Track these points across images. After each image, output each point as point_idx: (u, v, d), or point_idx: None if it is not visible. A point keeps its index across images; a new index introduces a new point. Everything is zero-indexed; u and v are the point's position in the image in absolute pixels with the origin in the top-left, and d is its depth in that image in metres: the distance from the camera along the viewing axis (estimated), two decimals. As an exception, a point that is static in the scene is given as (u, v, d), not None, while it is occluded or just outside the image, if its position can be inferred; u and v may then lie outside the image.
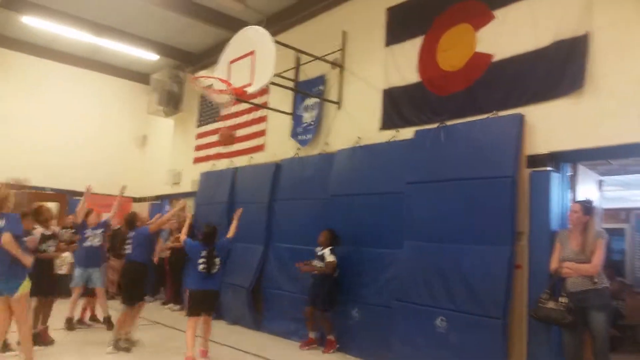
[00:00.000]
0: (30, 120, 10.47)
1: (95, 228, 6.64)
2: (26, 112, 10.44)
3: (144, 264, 5.73)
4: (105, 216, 9.99)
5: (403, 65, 6.12)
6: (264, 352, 5.76)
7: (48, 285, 5.55)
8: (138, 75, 11.77)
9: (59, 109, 10.87)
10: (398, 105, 6.13)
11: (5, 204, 4.30)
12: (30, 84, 10.53)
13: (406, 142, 5.78)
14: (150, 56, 10.34)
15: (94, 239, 6.57)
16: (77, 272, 6.54)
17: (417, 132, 5.67)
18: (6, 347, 4.99)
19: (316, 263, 5.89)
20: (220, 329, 6.62)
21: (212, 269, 5.17)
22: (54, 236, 5.55)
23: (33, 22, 9.08)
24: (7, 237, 4.15)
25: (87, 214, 6.82)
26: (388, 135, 6.12)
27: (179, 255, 8.55)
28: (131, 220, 5.85)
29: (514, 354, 4.49)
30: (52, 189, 10.72)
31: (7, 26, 9.70)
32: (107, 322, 6.50)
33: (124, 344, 5.49)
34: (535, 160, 4.74)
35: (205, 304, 5.31)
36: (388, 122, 6.22)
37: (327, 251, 5.82)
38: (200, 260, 5.16)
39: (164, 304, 8.96)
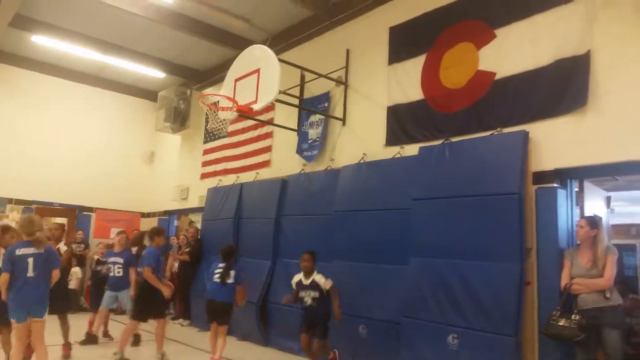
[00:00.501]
0: (39, 136, 10.62)
1: (117, 255, 6.73)
2: (35, 129, 10.60)
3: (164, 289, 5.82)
4: (113, 232, 10.14)
5: (406, 83, 6.18)
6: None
7: (63, 302, 5.81)
8: (145, 93, 11.92)
9: (68, 126, 11.02)
10: (402, 122, 6.18)
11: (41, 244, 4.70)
12: (40, 102, 10.69)
13: (411, 159, 5.81)
14: (157, 74, 10.48)
15: (115, 269, 6.67)
16: (107, 294, 6.70)
17: (421, 148, 5.70)
18: None
19: (307, 295, 5.35)
20: (231, 345, 6.61)
21: (227, 280, 5.62)
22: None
23: (42, 41, 9.24)
24: (57, 272, 4.71)
25: (120, 233, 7.04)
26: (393, 151, 6.17)
27: (188, 271, 8.67)
28: (152, 236, 6.04)
29: (525, 371, 4.48)
30: (60, 204, 10.85)
31: (17, 45, 9.88)
32: (135, 339, 6.68)
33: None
34: (541, 177, 4.76)
35: (217, 314, 5.64)
36: (393, 139, 6.27)
37: (319, 277, 5.36)
38: (217, 271, 5.71)
39: (174, 319, 8.99)
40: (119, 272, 6.63)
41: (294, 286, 5.49)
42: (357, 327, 5.77)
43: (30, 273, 4.44)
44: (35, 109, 10.64)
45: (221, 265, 5.75)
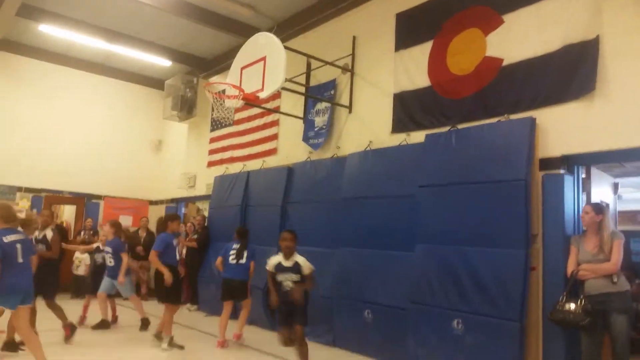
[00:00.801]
0: (48, 125, 10.69)
1: (108, 244, 6.89)
2: (43, 118, 10.65)
3: (170, 265, 5.89)
4: (121, 219, 10.25)
5: (413, 69, 6.16)
6: (281, 352, 5.85)
7: (51, 286, 5.83)
8: (152, 81, 11.94)
9: (76, 115, 11.06)
10: (409, 109, 6.17)
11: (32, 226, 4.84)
12: (47, 91, 10.74)
13: (417, 146, 5.81)
14: (164, 62, 10.49)
15: (107, 258, 6.86)
16: (105, 279, 6.88)
17: (427, 135, 5.69)
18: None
19: (287, 278, 4.64)
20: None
21: (241, 260, 6.10)
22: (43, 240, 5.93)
23: (49, 30, 9.26)
24: (35, 258, 4.89)
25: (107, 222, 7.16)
26: (399, 138, 6.17)
27: (195, 257, 8.77)
28: (165, 222, 6.19)
29: (530, 356, 4.51)
30: (69, 193, 10.95)
31: (24, 34, 9.92)
32: (143, 323, 6.83)
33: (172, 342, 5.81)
34: (548, 163, 4.76)
35: (233, 292, 6.13)
36: (399, 126, 6.27)
37: (302, 260, 4.68)
38: (232, 252, 6.18)
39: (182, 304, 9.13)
40: (111, 262, 6.77)
41: (271, 269, 4.72)
42: (363, 312, 5.83)
43: (20, 259, 4.36)
44: (43, 98, 10.69)
45: (235, 246, 6.22)
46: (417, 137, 5.92)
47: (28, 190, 10.33)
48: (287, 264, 4.66)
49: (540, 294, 4.55)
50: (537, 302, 4.55)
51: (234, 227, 7.55)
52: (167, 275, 5.67)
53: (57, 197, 10.83)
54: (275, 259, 4.75)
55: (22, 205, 10.00)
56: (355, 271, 6.02)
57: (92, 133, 11.23)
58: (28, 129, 10.44)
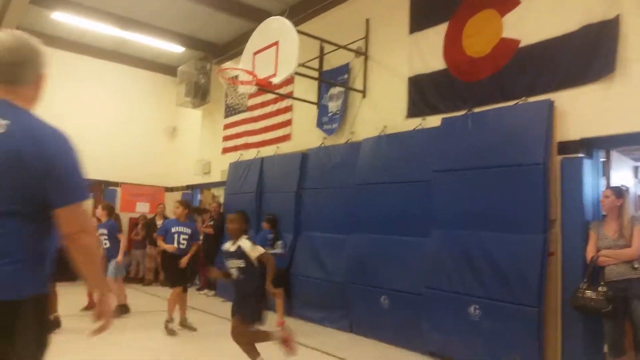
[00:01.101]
0: (63, 113, 10.52)
1: (101, 227, 6.89)
2: (58, 106, 10.59)
3: (169, 251, 6.07)
4: (138, 206, 10.32)
5: (428, 52, 6.06)
6: (297, 337, 5.92)
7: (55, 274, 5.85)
8: (166, 68, 11.92)
9: (90, 102, 11.10)
10: (424, 92, 6.08)
11: None
12: (61, 78, 10.71)
13: (433, 130, 5.75)
14: (176, 48, 10.47)
15: (102, 240, 6.85)
16: (109, 265, 6.92)
17: (443, 119, 5.62)
18: None
19: (232, 264, 4.15)
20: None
21: (276, 248, 6.32)
22: None
23: (62, 18, 9.29)
24: None
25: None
26: (414, 123, 6.10)
27: (212, 243, 8.85)
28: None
29: (549, 342, 4.49)
30: (87, 180, 11.06)
31: (37, 22, 9.94)
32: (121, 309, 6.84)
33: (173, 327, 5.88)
34: (567, 147, 4.67)
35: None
36: (414, 110, 6.19)
37: (245, 243, 4.09)
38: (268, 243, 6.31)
39: (199, 289, 9.26)
40: (106, 244, 6.79)
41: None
42: (379, 298, 5.85)
43: None
44: (57, 86, 10.59)
45: (270, 236, 6.48)
46: (433, 121, 5.84)
47: None
48: (232, 248, 4.16)
49: (559, 280, 4.51)
50: (556, 287, 4.52)
51: (250, 213, 7.59)
52: (169, 247, 5.97)
53: (74, 184, 10.96)
54: (225, 245, 4.33)
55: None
56: (370, 257, 6.02)
57: (108, 120, 11.28)
58: (43, 116, 10.47)
